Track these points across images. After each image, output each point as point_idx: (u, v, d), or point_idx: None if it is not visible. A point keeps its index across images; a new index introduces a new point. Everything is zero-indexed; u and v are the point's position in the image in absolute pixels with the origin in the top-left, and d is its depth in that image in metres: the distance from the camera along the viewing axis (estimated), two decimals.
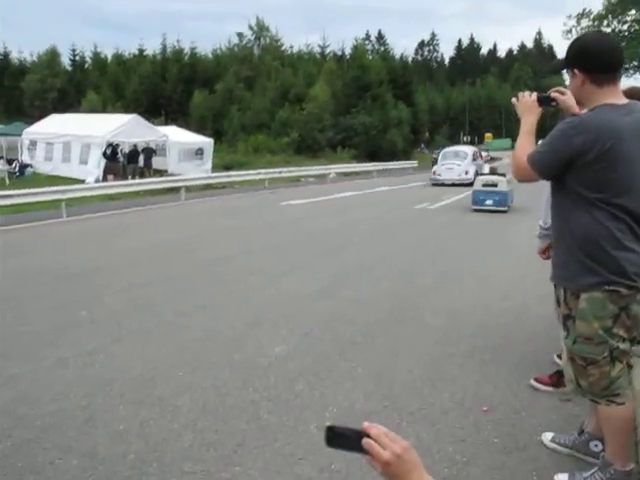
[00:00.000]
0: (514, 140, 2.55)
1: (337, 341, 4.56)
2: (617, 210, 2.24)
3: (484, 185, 13.61)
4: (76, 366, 4.01)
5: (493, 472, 2.69)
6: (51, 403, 3.42)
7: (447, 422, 3.18)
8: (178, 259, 7.92)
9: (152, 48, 54.11)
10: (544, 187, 3.23)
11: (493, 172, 16.05)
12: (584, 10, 36.02)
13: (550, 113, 2.60)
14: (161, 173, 22.49)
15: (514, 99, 2.55)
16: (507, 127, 78.33)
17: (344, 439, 1.02)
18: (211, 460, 2.79)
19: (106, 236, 10.23)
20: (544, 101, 2.54)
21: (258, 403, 3.42)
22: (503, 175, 13.64)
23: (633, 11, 34.20)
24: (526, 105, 2.51)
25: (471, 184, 16.01)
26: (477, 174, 18.37)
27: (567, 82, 2.52)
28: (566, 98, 2.48)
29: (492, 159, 42.45)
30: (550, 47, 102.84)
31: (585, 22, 35.75)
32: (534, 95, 2.51)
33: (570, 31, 36.63)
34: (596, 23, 35.30)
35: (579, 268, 2.33)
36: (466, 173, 21.07)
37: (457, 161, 22.11)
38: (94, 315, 5.23)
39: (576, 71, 2.32)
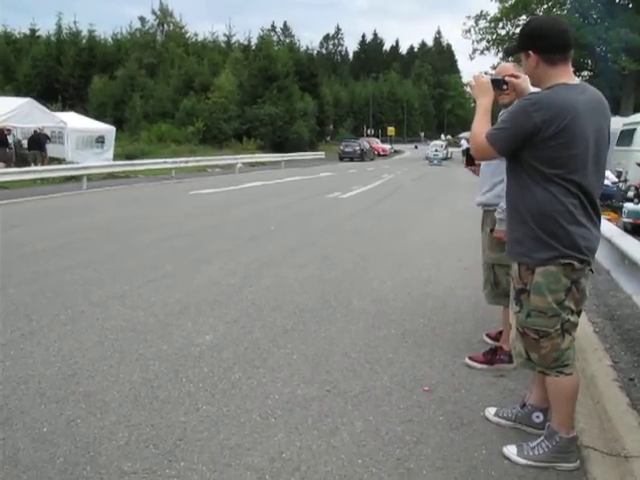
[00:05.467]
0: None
1: (268, 328, 4.43)
2: (572, 186, 2.30)
3: (434, 153, 39.15)
4: None
5: (444, 449, 2.69)
6: None
7: (391, 403, 3.16)
8: (86, 249, 7.41)
9: (46, 29, 50.87)
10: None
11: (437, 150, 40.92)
12: (481, 12, 38.03)
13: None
14: (59, 161, 21.22)
15: (470, 80, 2.59)
16: (408, 121, 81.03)
17: None
18: (152, 457, 2.57)
19: (1, 226, 9.40)
20: (496, 84, 2.59)
21: (194, 394, 3.23)
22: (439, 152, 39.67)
23: (524, 16, 36.51)
24: (481, 87, 2.56)
25: (445, 159, 40.22)
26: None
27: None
28: (520, 81, 2.56)
29: (396, 152, 57.48)
30: (449, 46, 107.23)
31: (483, 23, 37.77)
32: (487, 77, 2.56)
33: (469, 31, 38.58)
34: (492, 25, 37.35)
35: (535, 243, 2.36)
36: (442, 154, 39.94)
37: (438, 149, 40.94)
38: None
39: (530, 53, 2.38)
